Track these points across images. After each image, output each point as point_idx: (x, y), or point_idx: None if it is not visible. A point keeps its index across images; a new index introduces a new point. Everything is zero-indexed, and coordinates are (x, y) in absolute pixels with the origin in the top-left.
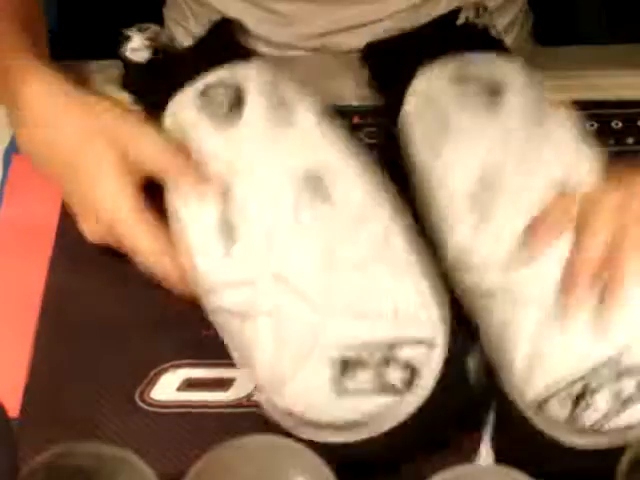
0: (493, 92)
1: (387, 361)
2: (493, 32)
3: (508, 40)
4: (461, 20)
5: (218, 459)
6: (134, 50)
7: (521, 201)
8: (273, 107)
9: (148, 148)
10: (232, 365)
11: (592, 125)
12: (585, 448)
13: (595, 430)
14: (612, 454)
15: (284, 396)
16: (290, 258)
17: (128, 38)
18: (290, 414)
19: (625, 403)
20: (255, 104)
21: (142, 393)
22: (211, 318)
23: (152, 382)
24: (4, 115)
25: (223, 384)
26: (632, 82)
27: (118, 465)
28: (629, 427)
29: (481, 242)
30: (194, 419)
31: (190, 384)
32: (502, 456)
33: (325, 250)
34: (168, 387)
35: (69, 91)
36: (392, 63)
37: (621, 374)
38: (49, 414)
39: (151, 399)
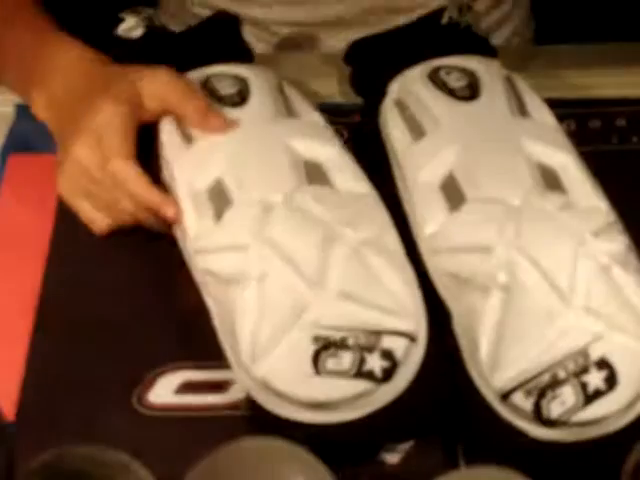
0: (470, 84)
1: (370, 348)
2: (477, 31)
3: None
4: (445, 19)
5: (216, 462)
6: (128, 29)
7: (499, 186)
8: (277, 100)
9: (164, 82)
10: (230, 367)
11: (595, 124)
12: (550, 441)
13: (561, 423)
14: (617, 454)
15: (262, 366)
16: (288, 230)
17: (122, 20)
18: (266, 386)
19: (592, 397)
20: (261, 94)
21: (139, 396)
22: (197, 280)
23: (149, 385)
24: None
25: (221, 386)
26: (634, 81)
27: (116, 469)
28: (594, 422)
29: (456, 229)
30: (192, 422)
31: (188, 387)
32: (470, 447)
33: (324, 229)
34: (165, 390)
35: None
36: (375, 62)
37: (589, 366)
38: (46, 418)
39: (149, 402)
